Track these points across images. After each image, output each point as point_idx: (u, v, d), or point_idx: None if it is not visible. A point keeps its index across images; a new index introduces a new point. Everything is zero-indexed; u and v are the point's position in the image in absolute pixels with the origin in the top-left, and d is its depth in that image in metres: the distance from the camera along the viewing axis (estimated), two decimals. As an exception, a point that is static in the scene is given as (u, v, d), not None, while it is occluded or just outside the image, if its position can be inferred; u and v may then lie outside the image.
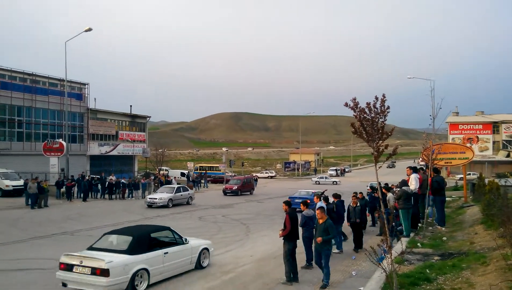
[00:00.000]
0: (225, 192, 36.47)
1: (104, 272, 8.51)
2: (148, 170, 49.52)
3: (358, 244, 13.21)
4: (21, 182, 29.45)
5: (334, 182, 54.08)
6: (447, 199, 18.27)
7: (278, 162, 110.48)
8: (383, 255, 7.59)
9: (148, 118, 54.77)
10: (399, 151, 8.29)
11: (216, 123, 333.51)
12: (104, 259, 8.67)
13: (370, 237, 15.09)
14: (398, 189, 14.09)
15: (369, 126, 7.35)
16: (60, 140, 33.66)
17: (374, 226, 17.22)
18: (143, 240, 9.72)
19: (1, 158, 34.78)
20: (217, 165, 66.50)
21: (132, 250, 9.25)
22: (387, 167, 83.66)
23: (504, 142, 63.54)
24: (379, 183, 9.20)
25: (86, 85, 45.03)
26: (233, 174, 58.20)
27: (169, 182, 36.76)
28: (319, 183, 51.78)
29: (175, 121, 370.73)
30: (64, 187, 29.29)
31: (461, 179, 40.83)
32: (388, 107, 7.29)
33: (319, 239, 9.19)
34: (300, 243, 10.38)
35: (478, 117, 65.97)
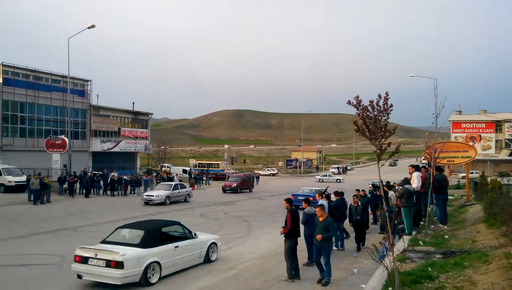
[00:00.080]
0: (224, 190, 36.10)
1: (119, 265, 8.77)
2: (150, 167, 49.61)
3: (361, 244, 13.15)
4: (23, 178, 29.53)
5: (338, 180, 54.07)
6: (449, 197, 18.23)
7: (280, 159, 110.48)
8: (384, 252, 7.60)
9: (150, 115, 54.82)
10: (401, 149, 8.29)
11: (218, 120, 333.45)
12: (119, 252, 8.93)
13: (372, 235, 15.07)
14: (401, 187, 14.08)
15: (372, 124, 7.33)
16: (63, 136, 33.72)
17: (375, 224, 17.21)
18: (155, 234, 9.99)
19: (4, 154, 34.91)
20: (217, 162, 66.65)
21: (144, 243, 9.50)
22: (389, 165, 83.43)
23: (507, 141, 63.36)
24: (381, 181, 9.19)
25: (89, 82, 45.12)
26: (234, 171, 58.22)
27: (171, 179, 36.84)
28: (322, 181, 51.73)
29: (177, 118, 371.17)
30: (66, 183, 29.39)
31: (463, 177, 40.76)
32: (391, 105, 7.27)
33: (319, 236, 9.19)
34: (301, 240, 10.39)
35: (481, 115, 65.76)
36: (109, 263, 8.85)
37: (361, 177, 58.13)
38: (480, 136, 64.03)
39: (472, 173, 46.58)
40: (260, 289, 9.26)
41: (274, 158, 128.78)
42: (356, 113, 7.44)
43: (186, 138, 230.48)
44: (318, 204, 10.18)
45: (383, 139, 7.38)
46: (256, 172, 60.80)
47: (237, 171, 56.40)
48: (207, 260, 11.36)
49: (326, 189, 19.41)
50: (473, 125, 64.76)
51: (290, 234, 9.75)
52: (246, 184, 37.71)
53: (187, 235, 10.94)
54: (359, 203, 13.62)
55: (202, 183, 44.89)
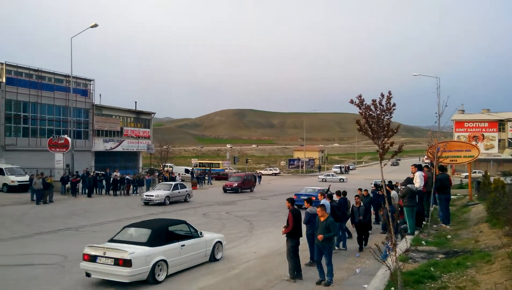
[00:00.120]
0: (225, 189, 35.88)
1: (127, 263, 8.91)
2: (152, 167, 49.67)
3: (364, 244, 13.10)
4: (26, 177, 29.60)
5: (341, 180, 54.04)
6: (451, 197, 18.18)
7: (282, 159, 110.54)
8: (387, 252, 7.57)
9: (152, 115, 54.87)
10: (403, 149, 8.24)
11: (220, 120, 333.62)
12: (127, 251, 9.08)
13: (375, 235, 15.04)
14: (403, 187, 14.03)
15: (375, 123, 7.30)
16: (65, 136, 33.78)
17: (378, 224, 17.18)
18: (162, 232, 10.14)
19: (6, 153, 35.00)
20: (218, 161, 66.69)
21: (152, 242, 9.65)
22: (391, 165, 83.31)
23: (510, 140, 63.18)
24: (383, 181, 9.16)
25: (92, 81, 45.14)
26: (236, 171, 58.22)
27: (174, 179, 36.87)
28: (325, 181, 51.67)
29: (179, 118, 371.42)
30: (69, 183, 29.44)
31: (466, 177, 40.65)
32: (394, 104, 7.24)
33: (320, 236, 9.16)
34: (304, 240, 10.37)
35: (483, 115, 65.58)
36: (118, 261, 8.99)
37: (363, 177, 58.09)
38: (483, 135, 63.87)
39: (475, 172, 46.47)
40: (262, 289, 9.25)
41: (276, 157, 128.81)
42: (359, 112, 7.41)
43: (188, 138, 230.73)
44: (320, 204, 10.15)
45: (386, 139, 7.36)
46: (258, 171, 60.83)
47: (239, 171, 56.38)
48: (213, 258, 11.50)
49: (329, 188, 19.37)
50: (476, 124, 64.59)
51: (292, 234, 9.74)
52: (247, 184, 37.53)
53: (193, 234, 11.09)
54: (361, 204, 13.60)
55: (204, 182, 44.93)
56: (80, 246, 13.23)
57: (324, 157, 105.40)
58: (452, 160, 20.98)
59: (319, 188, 23.08)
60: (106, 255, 9.17)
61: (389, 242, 7.03)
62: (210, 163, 64.54)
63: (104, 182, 31.46)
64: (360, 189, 16.29)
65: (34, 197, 25.28)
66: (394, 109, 7.27)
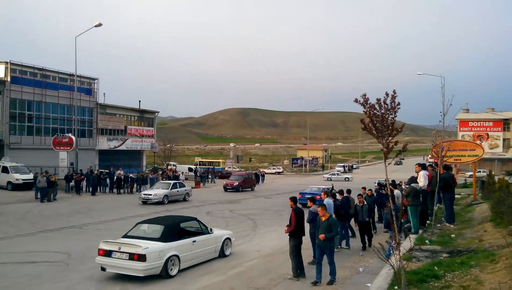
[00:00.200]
0: (225, 188, 35.64)
1: (141, 257, 9.19)
2: (156, 165, 49.76)
3: (368, 241, 13.08)
4: (30, 175, 29.74)
5: (346, 179, 53.98)
6: (456, 196, 18.11)
7: (286, 158, 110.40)
8: (391, 251, 7.56)
9: (156, 113, 54.96)
10: (407, 148, 8.23)
11: (224, 118, 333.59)
12: (142, 246, 9.35)
13: (378, 233, 15.02)
14: (407, 186, 14.00)
15: (379, 123, 7.29)
16: (70, 134, 33.93)
17: (381, 223, 17.15)
18: (174, 228, 10.48)
19: (11, 152, 35.16)
20: (218, 160, 66.78)
21: (165, 237, 9.95)
22: (394, 164, 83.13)
23: (515, 140, 62.87)
24: (387, 180, 9.15)
25: (96, 80, 45.26)
26: (239, 169, 58.25)
27: (177, 177, 36.93)
28: (330, 180, 51.58)
29: (183, 117, 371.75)
30: (73, 181, 29.56)
31: (470, 176, 40.50)
32: (399, 104, 7.22)
33: (321, 236, 9.13)
34: (307, 239, 10.36)
35: (488, 114, 65.29)
36: (132, 256, 9.25)
37: (367, 176, 57.94)
38: (487, 134, 63.59)
39: (479, 171, 46.30)
40: (265, 288, 9.25)
41: (280, 156, 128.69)
42: (363, 111, 7.39)
43: (192, 137, 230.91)
44: (321, 203, 10.10)
45: (390, 138, 7.34)
46: (261, 170, 60.84)
47: (243, 170, 56.40)
48: (222, 254, 11.77)
49: (333, 187, 19.34)
50: (480, 123, 64.33)
51: (295, 233, 9.73)
52: (248, 183, 37.30)
53: (203, 230, 11.42)
54: (365, 203, 13.56)
55: (208, 181, 44.99)
56: (84, 244, 13.37)
57: (327, 156, 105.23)
58: (457, 159, 20.88)
59: (324, 187, 23.08)
60: (121, 250, 9.43)
61: (393, 241, 7.02)
62: (210, 161, 64.62)
63: (108, 180, 31.55)
64: (364, 188, 16.26)
65: (38, 195, 25.41)
66: (398, 108, 7.25)
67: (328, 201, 12.16)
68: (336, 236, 9.86)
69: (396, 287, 7.58)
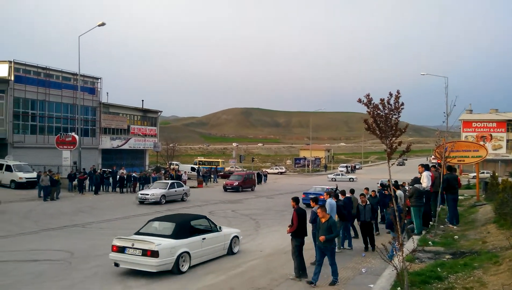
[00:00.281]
0: (225, 188, 35.32)
1: (154, 254, 9.45)
2: (158, 164, 49.85)
3: (370, 244, 13.01)
4: (34, 174, 29.80)
5: (351, 179, 53.92)
6: (459, 197, 18.05)
7: (288, 158, 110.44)
8: (394, 252, 7.53)
9: (159, 113, 55.02)
10: (411, 148, 8.20)
11: (226, 118, 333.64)
12: (154, 242, 9.62)
13: (381, 234, 14.98)
14: (410, 186, 13.96)
15: (383, 123, 7.26)
16: (73, 133, 33.99)
17: (383, 223, 17.11)
18: (185, 226, 10.77)
19: (15, 150, 35.26)
20: (217, 160, 66.91)
21: (176, 235, 10.23)
22: (397, 164, 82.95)
23: (518, 141, 62.64)
24: (389, 181, 9.12)
25: (99, 80, 45.33)
26: (242, 169, 58.26)
27: (180, 177, 36.96)
28: (335, 180, 51.49)
29: (186, 116, 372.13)
30: (76, 180, 29.62)
31: (474, 177, 40.37)
32: (403, 104, 7.18)
33: (322, 237, 9.08)
34: (309, 239, 10.34)
35: (492, 115, 65.07)
36: (145, 252, 9.51)
37: (370, 177, 57.85)
38: (491, 135, 63.39)
39: (482, 173, 46.17)
40: (266, 288, 9.24)
41: (282, 156, 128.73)
42: (367, 111, 7.37)
43: (194, 136, 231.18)
44: (321, 204, 10.05)
45: (394, 138, 7.31)
46: (264, 170, 60.86)
47: (245, 170, 56.40)
48: (230, 252, 12.05)
49: (337, 188, 19.28)
50: (484, 124, 64.13)
51: (297, 233, 9.71)
52: (248, 183, 37.03)
53: (212, 228, 11.68)
54: (368, 202, 13.53)
55: (210, 181, 45.03)
56: (87, 243, 13.41)
57: (330, 156, 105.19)
58: (460, 160, 20.83)
59: (328, 187, 23.06)
60: (134, 247, 9.66)
61: (396, 242, 6.99)
62: (210, 161, 64.72)
63: (110, 179, 31.62)
64: (367, 189, 16.22)
65: (41, 194, 25.48)
66: (402, 108, 7.22)
67: (330, 201, 12.14)
68: (337, 237, 9.83)
69: (399, 288, 7.55)
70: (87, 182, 30.23)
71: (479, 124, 64.15)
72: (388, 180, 8.55)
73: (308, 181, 48.87)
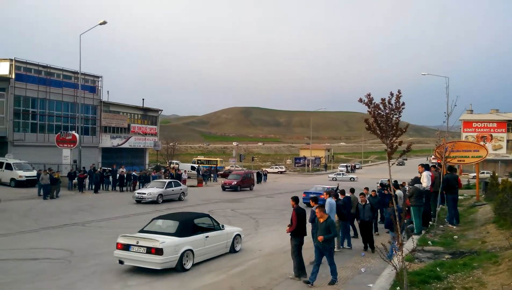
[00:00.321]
0: (223, 187, 35.10)
1: (159, 251, 9.57)
2: (158, 163, 49.83)
3: (369, 245, 12.99)
4: (34, 173, 29.81)
5: (352, 179, 53.93)
6: (459, 197, 18.04)
7: (288, 157, 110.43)
8: (393, 252, 7.54)
9: (159, 112, 55.02)
10: (411, 148, 8.21)
11: (227, 117, 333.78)
12: (159, 240, 9.73)
13: (381, 234, 14.98)
14: (410, 186, 13.96)
15: (383, 122, 7.27)
16: (73, 132, 33.97)
17: (382, 223, 17.11)
18: (189, 224, 10.89)
19: (15, 149, 35.27)
20: (215, 159, 66.98)
21: (180, 233, 10.35)
22: (397, 164, 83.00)
23: (519, 141, 62.63)
24: (389, 180, 9.13)
25: (100, 78, 45.31)
26: (242, 169, 58.26)
27: (180, 175, 36.95)
28: (336, 180, 51.49)
29: (186, 115, 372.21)
30: (76, 178, 29.62)
31: (474, 177, 40.38)
32: (403, 104, 7.20)
33: (320, 237, 9.08)
34: (309, 238, 10.34)
35: (492, 115, 65.06)
36: (150, 250, 9.61)
37: (370, 176, 57.87)
38: (491, 135, 63.39)
39: (482, 173, 46.17)
40: (266, 287, 9.25)
41: (282, 156, 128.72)
42: (368, 111, 7.37)
43: (195, 135, 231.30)
44: (321, 203, 10.04)
45: (395, 138, 7.32)
46: (264, 169, 60.86)
47: (245, 169, 56.41)
48: (233, 250, 12.18)
49: (338, 187, 19.26)
50: (484, 124, 64.12)
51: (296, 233, 9.71)
52: (246, 182, 36.82)
53: (215, 226, 11.80)
54: (367, 202, 13.52)
55: (210, 180, 45.04)
56: (87, 242, 13.42)
57: (330, 156, 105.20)
58: (460, 160, 20.82)
59: (328, 186, 23.06)
60: (139, 244, 9.76)
61: (396, 242, 7.00)
62: (208, 160, 64.77)
63: (110, 178, 31.63)
64: (366, 188, 16.21)
65: (41, 192, 25.48)
66: (403, 108, 7.22)
67: (330, 201, 12.14)
68: (335, 237, 9.82)
69: (398, 288, 7.56)
70: (87, 180, 30.21)
71: (479, 124, 64.14)
72: (388, 180, 8.54)
73: (308, 181, 48.88)
